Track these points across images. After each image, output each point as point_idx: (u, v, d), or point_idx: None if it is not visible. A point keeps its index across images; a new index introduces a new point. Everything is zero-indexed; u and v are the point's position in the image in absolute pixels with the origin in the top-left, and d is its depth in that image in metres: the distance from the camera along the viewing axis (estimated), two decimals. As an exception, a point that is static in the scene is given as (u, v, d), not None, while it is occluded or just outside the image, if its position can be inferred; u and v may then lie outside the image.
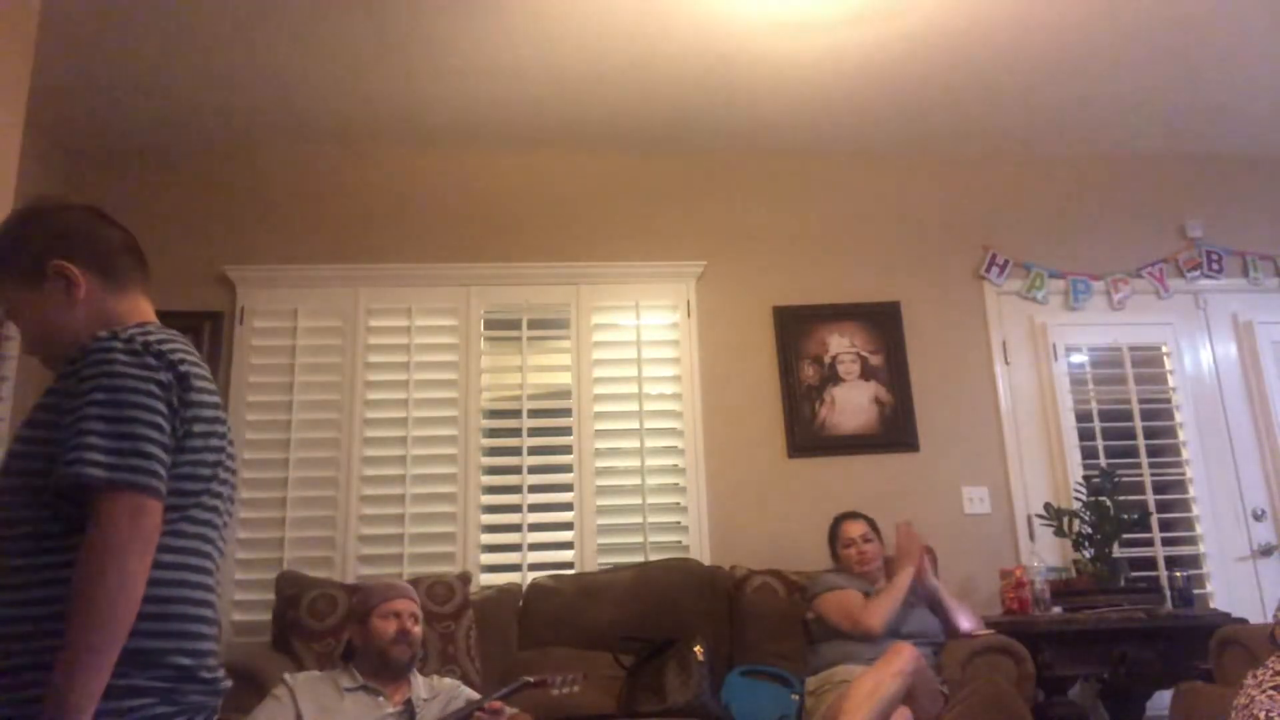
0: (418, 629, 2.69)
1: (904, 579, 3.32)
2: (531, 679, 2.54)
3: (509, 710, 2.51)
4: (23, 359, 3.73)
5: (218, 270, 4.04)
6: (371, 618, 2.66)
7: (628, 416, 4.05)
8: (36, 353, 1.45)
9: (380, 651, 2.61)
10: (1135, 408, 4.24)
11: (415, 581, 3.41)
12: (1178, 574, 3.73)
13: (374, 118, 4.05)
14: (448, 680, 2.76)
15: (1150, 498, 4.10)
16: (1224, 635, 3.06)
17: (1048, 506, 3.78)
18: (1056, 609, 3.56)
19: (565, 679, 2.51)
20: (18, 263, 1.43)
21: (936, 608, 3.42)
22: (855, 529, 3.54)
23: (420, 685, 2.65)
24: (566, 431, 4.02)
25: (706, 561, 3.83)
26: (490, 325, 4.13)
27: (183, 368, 1.35)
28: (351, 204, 4.23)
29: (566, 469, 3.97)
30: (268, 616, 3.48)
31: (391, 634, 2.63)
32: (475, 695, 2.68)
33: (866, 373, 4.20)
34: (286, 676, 2.59)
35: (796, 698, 3.22)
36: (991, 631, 3.29)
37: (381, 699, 2.55)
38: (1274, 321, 4.46)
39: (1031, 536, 4.03)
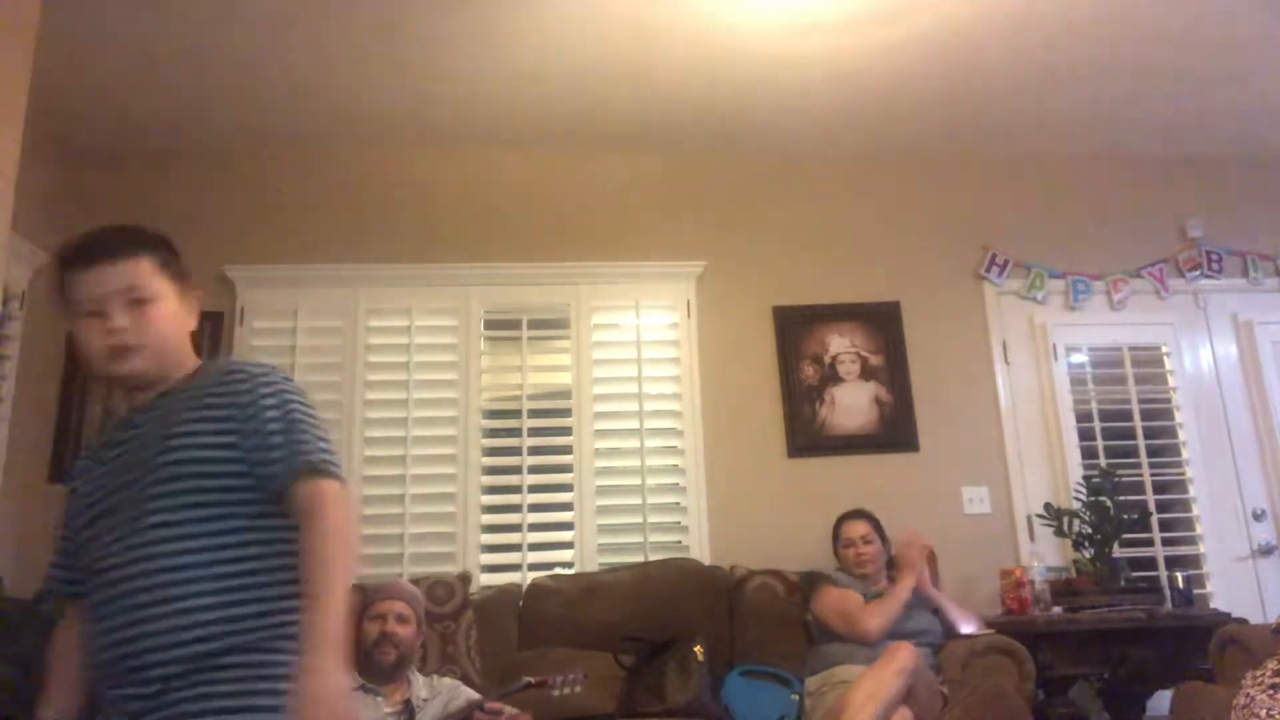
0: (405, 629, 2.67)
1: (904, 589, 3.31)
2: (532, 679, 2.54)
3: (509, 710, 2.51)
4: (23, 358, 3.72)
5: (218, 270, 4.04)
6: (362, 620, 2.67)
7: (628, 416, 4.05)
8: (138, 352, 1.47)
9: (365, 654, 2.62)
10: (1135, 408, 4.24)
11: (415, 582, 3.41)
12: (1178, 574, 3.73)
13: (374, 118, 4.04)
14: (447, 680, 2.76)
15: (1150, 498, 4.10)
16: (1224, 635, 3.06)
17: (1048, 506, 3.78)
18: (1056, 609, 3.55)
19: (566, 679, 2.51)
20: (178, 265, 1.56)
21: (936, 610, 3.42)
22: (855, 530, 3.54)
23: (419, 685, 2.66)
24: (566, 431, 4.02)
25: (706, 561, 3.83)
26: (490, 325, 4.13)
27: None
28: (351, 204, 4.23)
29: (566, 469, 3.97)
30: (268, 616, 3.47)
31: (374, 636, 2.65)
32: (475, 695, 2.68)
33: (866, 373, 4.20)
34: None
35: (796, 698, 3.22)
36: (992, 631, 3.29)
37: (380, 699, 2.55)
38: (1274, 321, 4.46)
39: (1031, 536, 4.03)
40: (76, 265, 1.47)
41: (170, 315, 1.51)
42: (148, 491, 1.40)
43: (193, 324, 1.56)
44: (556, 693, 2.49)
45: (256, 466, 1.43)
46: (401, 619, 2.68)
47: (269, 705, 1.33)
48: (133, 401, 1.55)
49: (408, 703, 2.58)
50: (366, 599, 2.71)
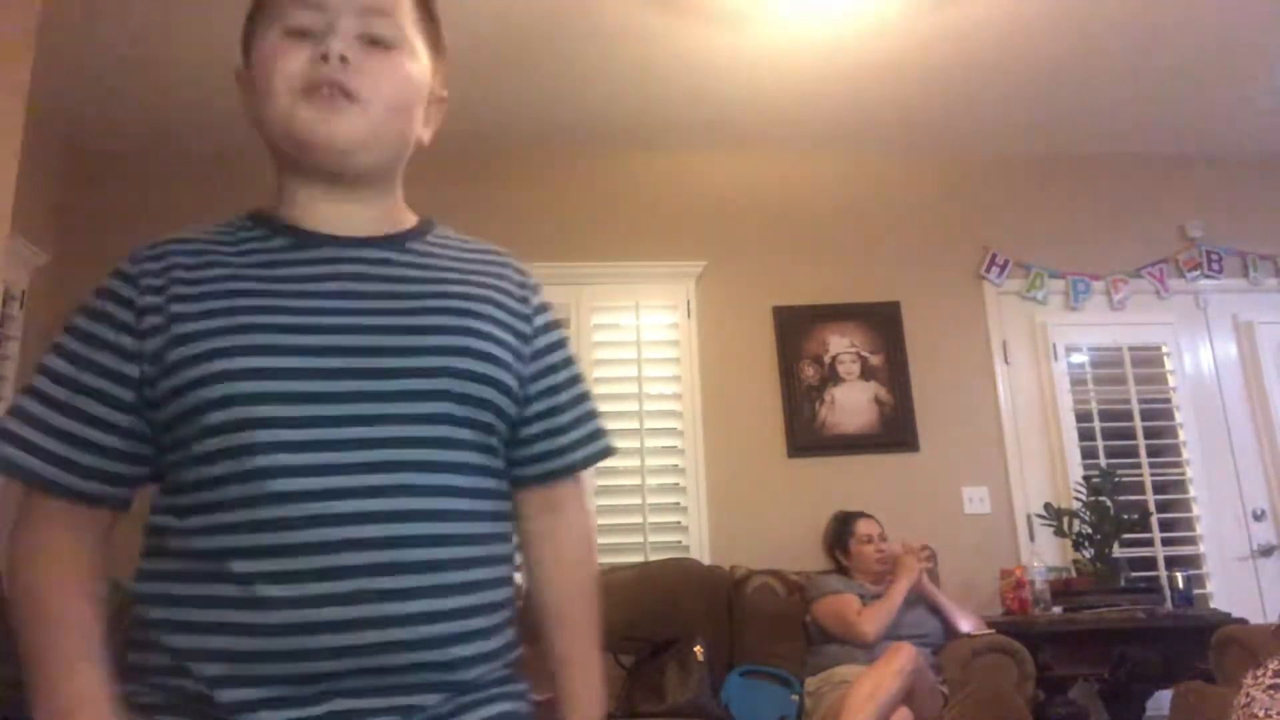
0: None
1: (899, 591, 3.32)
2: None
3: None
4: (23, 358, 3.73)
5: (218, 270, 4.03)
6: None
7: (628, 416, 4.05)
8: (357, 107, 0.93)
9: None
10: (1135, 408, 4.24)
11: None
12: (1178, 574, 3.73)
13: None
14: None
15: (1150, 498, 4.10)
16: (1224, 635, 3.06)
17: (1048, 506, 3.78)
18: (1056, 609, 3.56)
19: None
20: (440, 37, 1.04)
21: (936, 610, 3.42)
22: (872, 526, 3.56)
23: None
24: (566, 431, 4.02)
25: (706, 561, 3.83)
26: (490, 325, 4.13)
27: None
28: (351, 204, 4.23)
29: (566, 469, 3.97)
30: (268, 616, 3.48)
31: None
32: None
33: (866, 373, 4.20)
34: None
35: (796, 698, 3.22)
36: (992, 631, 3.29)
37: None
38: (1274, 321, 4.46)
39: (1031, 536, 4.03)
40: None
41: (416, 81, 0.98)
42: (411, 407, 0.89)
43: (425, 135, 1.04)
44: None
45: (533, 433, 1.01)
46: None
47: None
48: (314, 210, 0.98)
49: None
50: None
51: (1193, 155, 4.62)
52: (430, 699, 0.87)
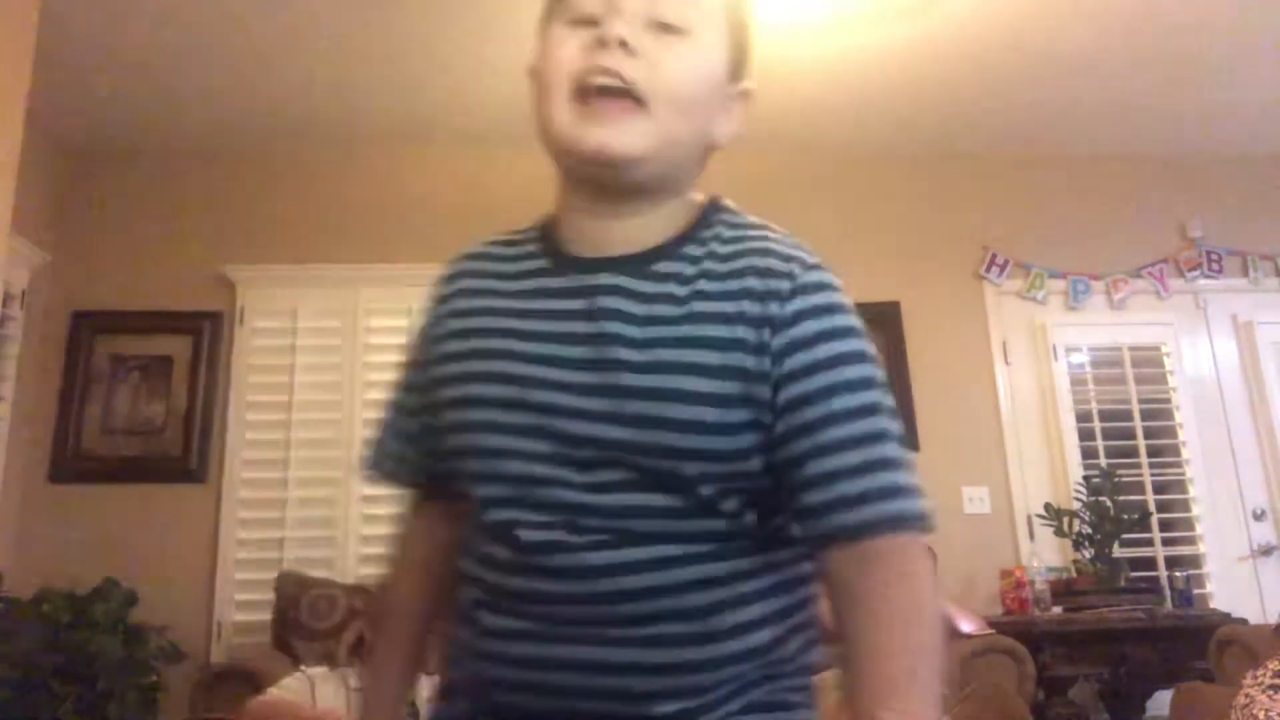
0: None
1: None
2: None
3: None
4: (23, 358, 3.72)
5: (218, 270, 4.04)
6: (367, 628, 2.65)
7: (628, 416, 4.04)
8: (637, 104, 0.82)
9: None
10: (1135, 408, 4.23)
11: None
12: (1178, 574, 3.73)
13: (374, 118, 4.04)
14: None
15: (1150, 498, 4.10)
16: (1224, 635, 3.06)
17: (1048, 506, 3.78)
18: (1056, 609, 3.56)
19: None
20: (747, 36, 0.93)
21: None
22: None
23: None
24: (566, 431, 4.01)
25: (706, 561, 3.83)
26: (490, 325, 4.13)
27: None
28: (351, 204, 4.23)
29: (566, 469, 3.97)
30: (268, 616, 3.48)
31: None
32: None
33: (866, 373, 4.19)
34: (302, 668, 2.59)
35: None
36: (992, 631, 3.28)
37: None
38: (1274, 321, 4.45)
39: (1031, 536, 4.02)
40: None
41: (710, 72, 0.87)
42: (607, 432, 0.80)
43: (723, 136, 0.94)
44: None
45: (795, 481, 0.79)
46: None
47: None
48: (577, 224, 0.90)
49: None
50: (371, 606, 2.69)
51: (1193, 155, 4.62)
52: None
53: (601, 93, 0.81)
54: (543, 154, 0.91)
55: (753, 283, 0.82)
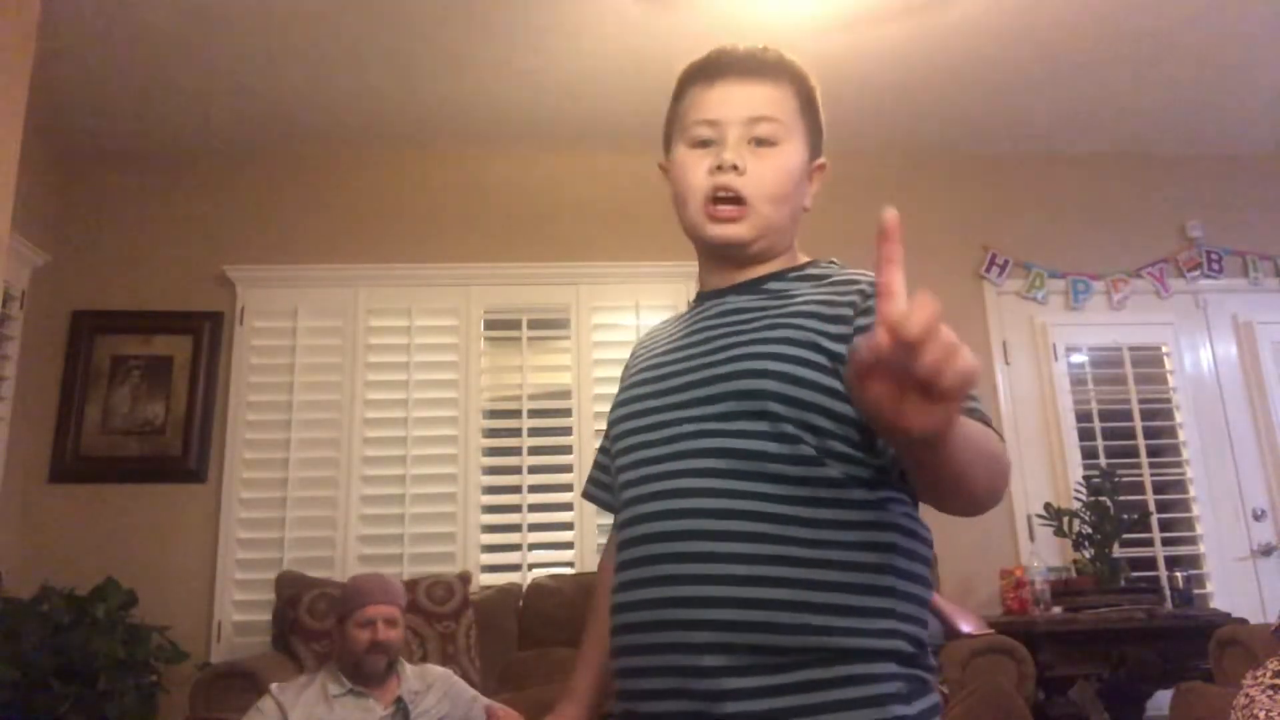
0: (395, 633, 2.57)
1: None
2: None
3: (499, 708, 2.48)
4: (23, 358, 3.72)
5: (218, 270, 4.04)
6: (347, 624, 2.55)
7: (628, 416, 4.04)
8: (743, 208, 1.14)
9: (355, 662, 2.52)
10: (1135, 408, 4.24)
11: (415, 582, 3.41)
12: (1178, 574, 3.73)
13: (374, 118, 4.04)
14: (438, 669, 2.72)
15: (1150, 498, 4.10)
16: (1224, 635, 3.06)
17: (1048, 506, 3.78)
18: (1056, 609, 3.56)
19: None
20: (818, 115, 1.21)
21: (935, 611, 3.42)
22: None
23: (410, 677, 2.61)
24: (566, 431, 4.02)
25: (706, 561, 3.83)
26: (490, 325, 4.13)
27: None
28: (351, 204, 4.23)
29: (566, 469, 3.97)
30: (268, 616, 3.48)
31: (365, 644, 2.51)
32: (470, 690, 2.68)
33: (866, 373, 4.19)
34: (274, 688, 2.51)
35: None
36: (992, 631, 3.29)
37: (371, 701, 2.51)
38: (1274, 321, 4.46)
39: (1031, 536, 4.02)
40: (701, 77, 1.19)
41: (795, 170, 1.16)
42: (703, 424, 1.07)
43: (808, 202, 1.21)
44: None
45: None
46: (390, 622, 2.56)
47: None
48: (713, 283, 1.21)
49: (399, 700, 2.55)
50: (350, 603, 2.60)
51: (1193, 155, 4.62)
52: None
53: (719, 201, 1.14)
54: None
55: (838, 296, 1.13)
